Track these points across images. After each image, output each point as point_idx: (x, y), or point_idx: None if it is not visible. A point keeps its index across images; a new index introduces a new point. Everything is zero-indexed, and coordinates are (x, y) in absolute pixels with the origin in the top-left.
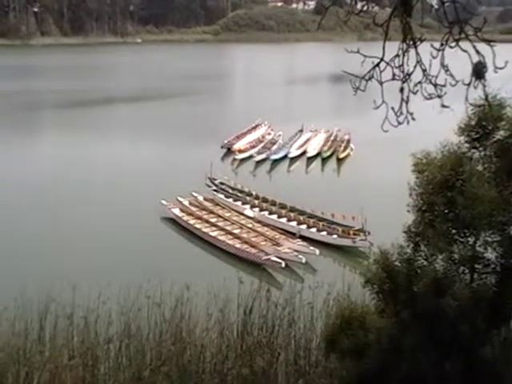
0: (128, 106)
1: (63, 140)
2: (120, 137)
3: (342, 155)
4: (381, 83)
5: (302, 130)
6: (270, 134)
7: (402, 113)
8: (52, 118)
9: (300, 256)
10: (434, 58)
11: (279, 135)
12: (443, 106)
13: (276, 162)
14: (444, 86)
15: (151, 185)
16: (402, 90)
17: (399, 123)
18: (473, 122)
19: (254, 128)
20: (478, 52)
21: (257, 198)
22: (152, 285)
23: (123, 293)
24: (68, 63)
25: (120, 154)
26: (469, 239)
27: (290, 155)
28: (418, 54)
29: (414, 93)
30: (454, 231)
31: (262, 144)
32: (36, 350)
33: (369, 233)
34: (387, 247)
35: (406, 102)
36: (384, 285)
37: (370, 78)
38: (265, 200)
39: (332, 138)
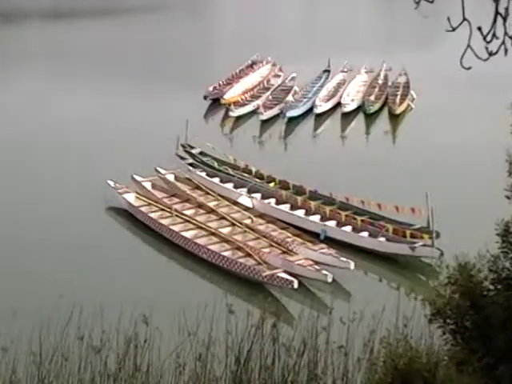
0: (52, 24)
1: None
2: (39, 74)
3: (398, 109)
4: None
5: (328, 70)
6: (277, 75)
7: (495, 36)
8: None
9: (324, 271)
10: None
11: (292, 78)
12: None
13: (294, 120)
14: None
15: (91, 154)
16: None
17: (491, 54)
18: None
19: (251, 67)
20: None
21: (259, 177)
22: (86, 318)
23: (36, 332)
24: None
25: (38, 101)
26: None
27: (317, 110)
28: None
29: None
30: None
31: (269, 92)
32: None
33: (438, 234)
34: (470, 258)
35: (504, 19)
36: (466, 320)
37: None
38: (271, 181)
39: (380, 81)
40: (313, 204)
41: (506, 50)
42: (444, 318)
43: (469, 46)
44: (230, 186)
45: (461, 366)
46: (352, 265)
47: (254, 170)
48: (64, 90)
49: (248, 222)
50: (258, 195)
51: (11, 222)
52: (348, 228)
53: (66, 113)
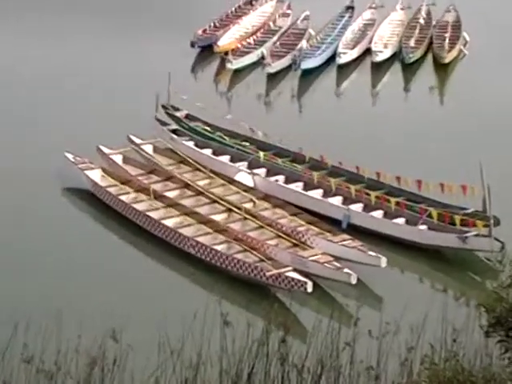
0: None
1: None
2: None
3: (447, 57)
4: None
5: (352, 7)
6: (285, 15)
7: None
8: None
9: (347, 270)
10: None
11: (305, 18)
12: None
13: (310, 73)
14: None
15: (42, 118)
16: None
17: None
18: None
19: (250, 3)
20: None
21: (263, 147)
22: (36, 333)
23: None
24: None
25: None
26: None
27: (340, 60)
28: None
29: None
30: None
31: (277, 37)
32: None
33: (497, 220)
34: None
35: None
36: None
37: None
38: (280, 153)
39: (421, 20)
40: (334, 182)
41: None
42: (506, 330)
43: None
44: (225, 159)
45: None
46: (384, 261)
47: (260, 136)
48: (15, 33)
49: (249, 206)
50: (262, 171)
51: None
52: (379, 213)
53: (20, 60)
